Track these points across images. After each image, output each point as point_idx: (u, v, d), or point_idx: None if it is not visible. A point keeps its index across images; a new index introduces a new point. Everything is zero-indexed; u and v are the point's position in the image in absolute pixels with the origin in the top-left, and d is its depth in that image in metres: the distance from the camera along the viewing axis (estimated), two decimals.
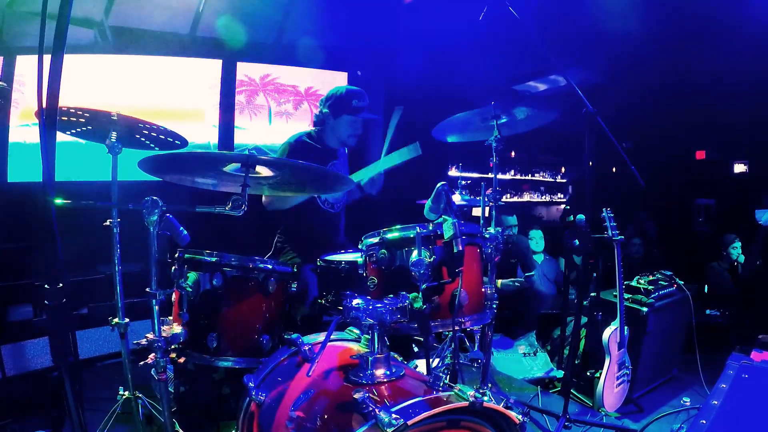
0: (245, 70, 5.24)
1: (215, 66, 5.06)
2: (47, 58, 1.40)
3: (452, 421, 1.41)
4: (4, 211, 4.01)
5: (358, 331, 2.05)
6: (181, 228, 1.73)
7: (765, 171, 6.61)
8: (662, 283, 3.67)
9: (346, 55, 5.61)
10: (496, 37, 4.59)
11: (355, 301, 1.63)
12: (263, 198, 2.79)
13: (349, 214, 3.25)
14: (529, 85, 6.91)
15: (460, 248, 1.63)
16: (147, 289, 1.68)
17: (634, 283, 3.56)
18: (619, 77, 6.29)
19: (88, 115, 2.05)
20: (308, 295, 2.59)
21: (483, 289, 1.83)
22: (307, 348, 1.81)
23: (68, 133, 2.26)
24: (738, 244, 4.99)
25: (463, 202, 3.19)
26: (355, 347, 1.85)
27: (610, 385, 3.15)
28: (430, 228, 1.71)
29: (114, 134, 2.12)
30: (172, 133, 2.22)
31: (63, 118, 2.04)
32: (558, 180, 9.30)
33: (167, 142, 2.27)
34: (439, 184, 1.83)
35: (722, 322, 4.54)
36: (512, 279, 4.18)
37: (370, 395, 1.39)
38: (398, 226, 1.76)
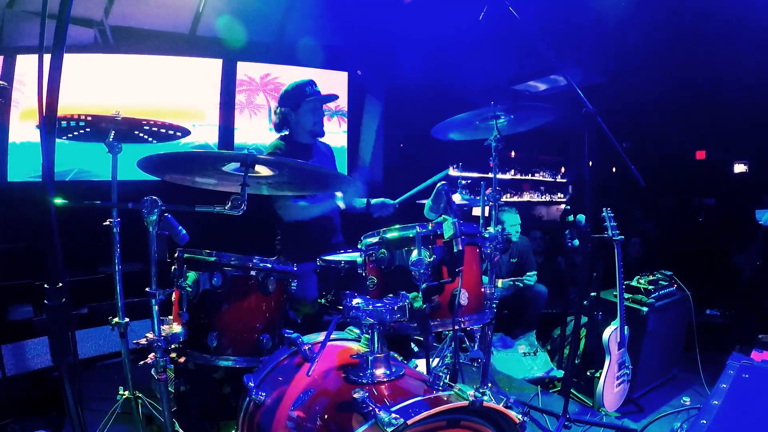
0: (245, 70, 5.24)
1: (215, 66, 5.07)
2: (47, 58, 1.39)
3: (452, 421, 1.41)
4: (4, 211, 4.01)
5: (358, 331, 2.05)
6: (180, 228, 1.73)
7: (765, 171, 6.60)
8: (662, 283, 3.66)
9: (346, 55, 5.61)
10: (496, 37, 4.59)
11: (355, 301, 1.63)
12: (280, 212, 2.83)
13: (348, 213, 3.24)
14: (529, 85, 6.90)
15: (460, 248, 1.63)
16: (147, 289, 1.68)
17: (634, 283, 3.55)
18: (618, 77, 6.29)
19: (90, 119, 2.05)
20: (309, 295, 2.59)
21: (483, 289, 1.83)
22: (307, 348, 1.81)
23: (65, 138, 2.24)
24: None
25: (464, 202, 3.18)
26: (355, 347, 1.85)
27: (610, 385, 3.15)
28: (430, 227, 1.71)
29: (113, 133, 2.12)
30: (172, 125, 2.21)
31: (64, 124, 2.04)
32: (558, 180, 9.30)
33: (168, 135, 2.26)
34: (438, 184, 1.83)
35: (722, 322, 4.53)
36: (512, 279, 4.18)
37: (370, 395, 1.39)
38: (398, 226, 1.76)
